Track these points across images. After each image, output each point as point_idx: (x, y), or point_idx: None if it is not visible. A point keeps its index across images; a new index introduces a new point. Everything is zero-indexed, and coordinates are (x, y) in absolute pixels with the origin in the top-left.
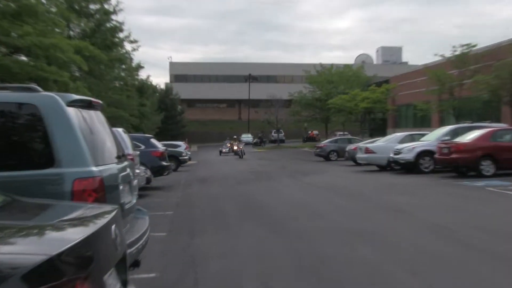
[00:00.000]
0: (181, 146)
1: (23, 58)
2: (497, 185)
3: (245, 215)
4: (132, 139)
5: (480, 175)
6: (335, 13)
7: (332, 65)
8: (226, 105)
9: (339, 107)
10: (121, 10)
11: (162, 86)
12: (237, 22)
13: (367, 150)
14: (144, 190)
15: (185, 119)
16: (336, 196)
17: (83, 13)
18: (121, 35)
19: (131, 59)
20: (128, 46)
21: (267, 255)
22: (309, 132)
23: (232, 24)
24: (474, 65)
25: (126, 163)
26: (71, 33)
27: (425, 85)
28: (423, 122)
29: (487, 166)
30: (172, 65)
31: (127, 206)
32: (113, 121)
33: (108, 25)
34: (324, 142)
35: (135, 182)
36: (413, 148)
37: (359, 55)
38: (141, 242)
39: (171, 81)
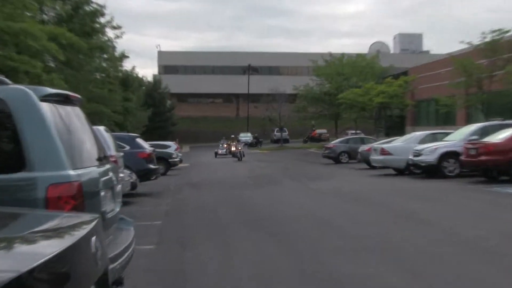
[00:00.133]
0: (171, 146)
1: None
2: None
3: (244, 226)
4: (115, 138)
5: None
6: None
7: (342, 54)
8: (222, 100)
9: (350, 103)
10: None
11: (150, 79)
12: (235, 6)
13: (383, 152)
14: (129, 196)
15: (175, 116)
16: (349, 205)
17: None
18: (102, 20)
19: (113, 47)
20: (110, 33)
21: (268, 273)
22: (312, 130)
23: (229, 8)
24: (507, 54)
25: (108, 166)
26: (45, 17)
27: (450, 77)
28: (447, 119)
29: None
30: (161, 54)
31: (109, 215)
32: (93, 118)
33: (87, 8)
34: (334, 142)
35: (118, 187)
36: (436, 149)
37: (374, 43)
38: (125, 256)
39: (159, 73)
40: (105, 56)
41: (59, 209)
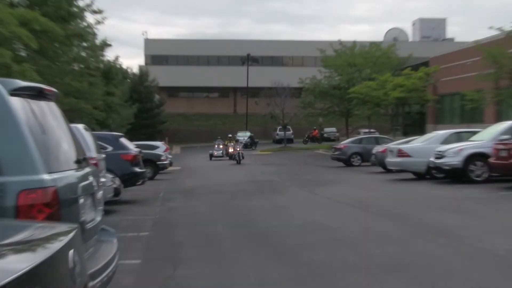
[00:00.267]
0: (160, 147)
1: None
2: None
3: (243, 241)
4: (96, 138)
5: None
6: None
7: (354, 42)
8: (218, 95)
9: (363, 97)
10: None
11: (135, 70)
12: None
13: (401, 153)
14: (111, 204)
15: (165, 113)
16: (363, 215)
17: None
18: (81, 3)
19: (94, 34)
20: (90, 18)
21: None
22: (313, 129)
23: None
24: None
25: (88, 169)
26: None
27: (477, 68)
28: (474, 116)
29: None
30: (148, 42)
31: (89, 226)
32: (71, 115)
33: None
34: (345, 143)
35: (99, 194)
36: (461, 150)
37: (390, 29)
38: (107, 272)
39: (146, 64)
40: (84, 44)
41: (31, 219)
